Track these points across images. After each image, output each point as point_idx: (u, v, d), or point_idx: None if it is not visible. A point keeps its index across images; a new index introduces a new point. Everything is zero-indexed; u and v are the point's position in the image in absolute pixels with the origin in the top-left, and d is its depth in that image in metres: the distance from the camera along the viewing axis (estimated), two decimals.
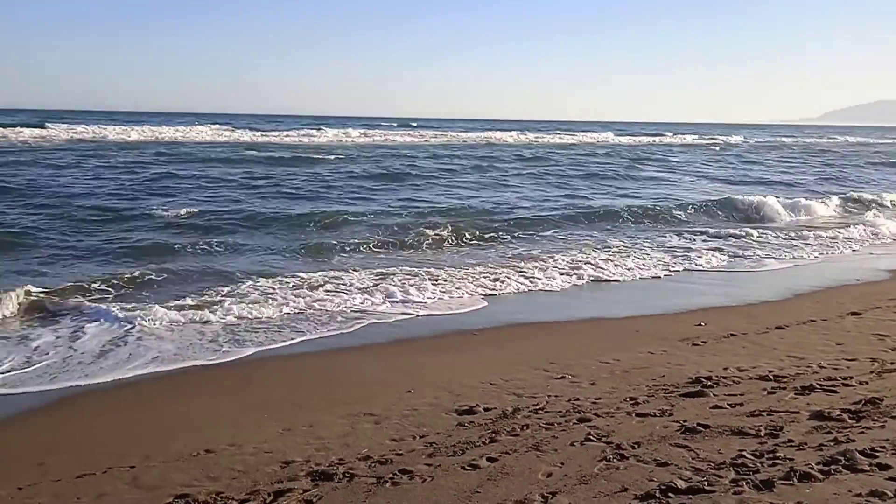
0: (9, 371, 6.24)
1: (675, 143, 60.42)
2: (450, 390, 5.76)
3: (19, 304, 8.06)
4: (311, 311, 8.34)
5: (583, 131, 79.06)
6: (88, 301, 8.37)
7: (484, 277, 10.16)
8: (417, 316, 8.35)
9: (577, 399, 5.37)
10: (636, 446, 4.24)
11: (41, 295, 8.41)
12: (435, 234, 13.11)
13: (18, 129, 44.53)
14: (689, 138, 70.32)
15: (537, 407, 5.22)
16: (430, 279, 9.88)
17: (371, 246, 12.34)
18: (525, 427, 4.73)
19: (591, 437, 4.44)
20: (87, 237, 12.40)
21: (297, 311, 8.30)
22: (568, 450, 4.26)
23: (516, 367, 6.39)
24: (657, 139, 67.65)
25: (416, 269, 10.47)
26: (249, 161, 28.77)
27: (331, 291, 9.15)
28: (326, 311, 8.36)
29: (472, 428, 4.85)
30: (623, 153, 42.99)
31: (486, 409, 5.22)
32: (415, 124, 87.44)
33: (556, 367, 6.34)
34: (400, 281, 9.76)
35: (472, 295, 9.31)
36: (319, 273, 10.10)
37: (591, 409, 5.08)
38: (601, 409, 5.07)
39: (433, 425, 4.95)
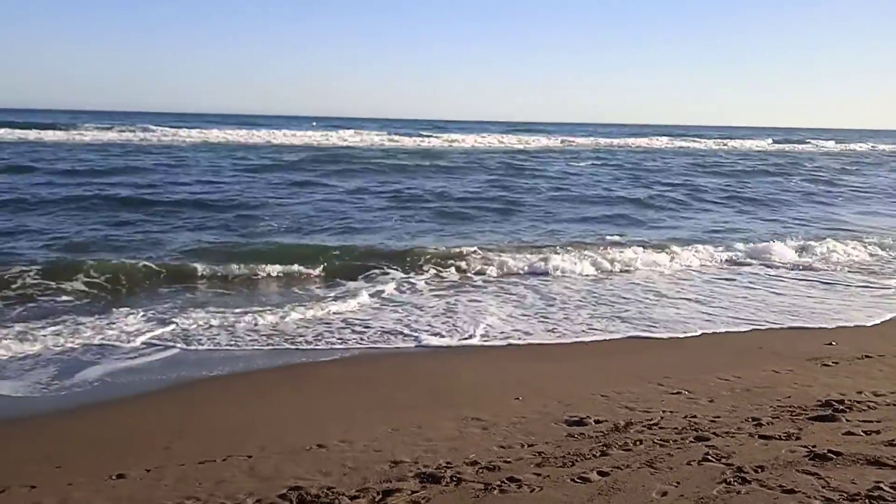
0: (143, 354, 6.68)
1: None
2: (559, 400, 5.65)
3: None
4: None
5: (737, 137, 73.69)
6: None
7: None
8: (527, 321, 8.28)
9: (694, 416, 5.13)
10: (759, 470, 3.99)
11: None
12: None
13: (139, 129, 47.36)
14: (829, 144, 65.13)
15: (651, 422, 5.02)
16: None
17: None
18: (638, 442, 4.56)
19: (710, 458, 4.22)
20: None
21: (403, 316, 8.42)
22: (684, 469, 4.07)
23: (629, 379, 6.19)
24: (799, 147, 62.97)
25: None
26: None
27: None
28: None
29: (582, 440, 4.72)
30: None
31: (597, 422, 5.08)
32: (523, 128, 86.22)
33: (672, 381, 6.10)
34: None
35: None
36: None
37: (710, 427, 4.84)
38: (720, 428, 4.82)
39: (542, 435, 4.87)
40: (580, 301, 9.23)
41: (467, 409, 5.41)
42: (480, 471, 4.18)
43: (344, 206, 17.43)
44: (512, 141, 53.57)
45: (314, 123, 76.19)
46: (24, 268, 9.31)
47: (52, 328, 7.30)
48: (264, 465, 4.40)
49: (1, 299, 8.31)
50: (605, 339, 7.64)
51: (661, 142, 57.69)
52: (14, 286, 8.73)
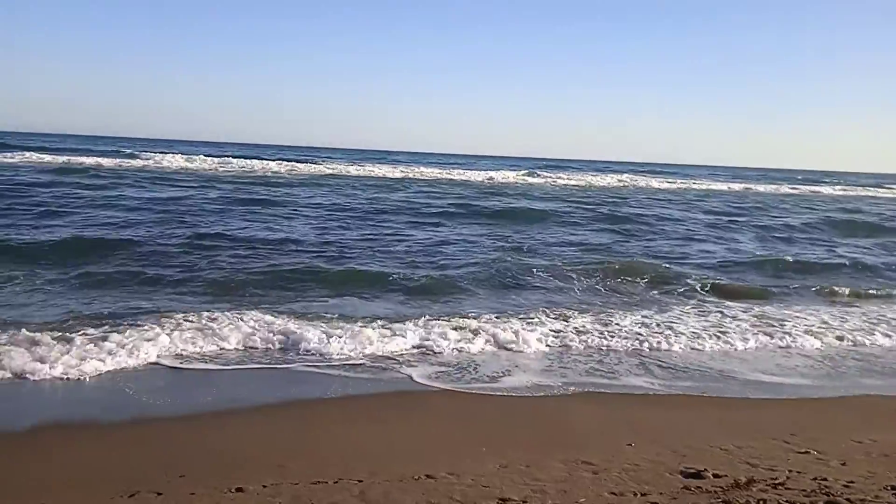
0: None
1: None
2: (674, 449, 5.41)
3: None
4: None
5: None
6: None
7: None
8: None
9: (825, 479, 4.77)
10: None
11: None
12: None
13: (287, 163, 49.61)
14: None
15: (776, 481, 4.71)
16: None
17: None
18: (762, 501, 4.28)
19: None
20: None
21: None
22: None
23: (750, 433, 5.86)
24: None
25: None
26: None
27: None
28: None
29: (699, 494, 4.49)
30: None
31: (716, 476, 4.81)
32: (643, 169, 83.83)
33: (798, 439, 5.71)
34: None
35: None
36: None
37: (843, 492, 4.48)
38: (855, 494, 4.45)
39: (655, 484, 4.67)
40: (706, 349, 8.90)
41: (577, 452, 5.28)
42: None
43: None
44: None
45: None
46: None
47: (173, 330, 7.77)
48: (374, 491, 4.45)
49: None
50: (722, 396, 7.27)
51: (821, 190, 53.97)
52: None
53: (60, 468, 4.80)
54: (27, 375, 6.57)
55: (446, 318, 9.40)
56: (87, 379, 6.64)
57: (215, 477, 4.63)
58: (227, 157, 51.82)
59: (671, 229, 22.21)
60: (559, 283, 12.30)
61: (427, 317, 9.40)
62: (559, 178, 51.71)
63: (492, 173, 51.86)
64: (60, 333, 7.66)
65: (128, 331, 7.91)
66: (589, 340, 8.85)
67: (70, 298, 9.53)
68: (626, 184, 49.70)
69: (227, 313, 8.92)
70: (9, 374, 6.57)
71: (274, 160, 52.70)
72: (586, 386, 7.23)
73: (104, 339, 7.55)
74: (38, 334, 7.53)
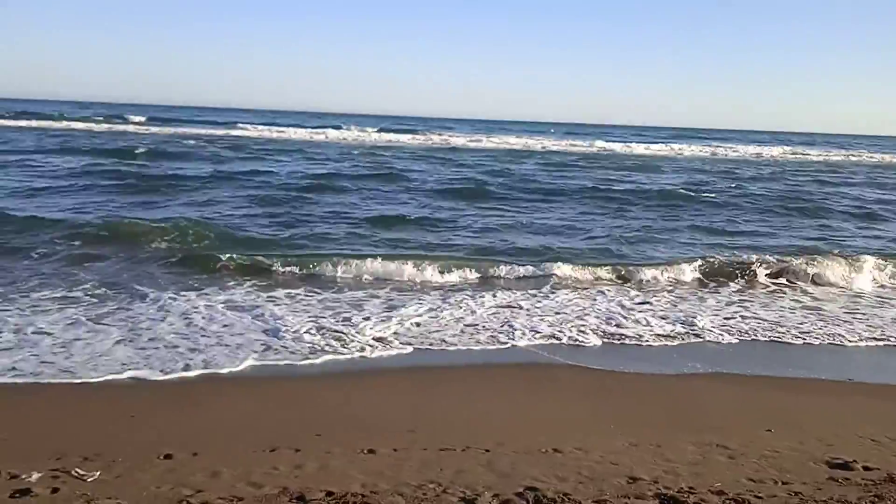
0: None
1: None
2: (818, 437, 5.10)
3: None
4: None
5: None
6: None
7: None
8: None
9: None
10: None
11: None
12: None
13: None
14: None
15: None
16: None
17: None
18: None
19: None
20: None
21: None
22: None
23: None
24: None
25: None
26: None
27: None
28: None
29: (847, 486, 4.22)
30: None
31: (866, 469, 4.50)
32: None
33: None
34: None
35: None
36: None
37: None
38: None
39: (798, 473, 4.42)
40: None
41: (710, 435, 5.09)
42: (727, 502, 3.90)
43: None
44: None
45: (552, 130, 76.88)
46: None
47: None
48: (501, 461, 4.47)
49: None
50: (871, 382, 6.77)
51: None
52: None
53: (211, 419, 5.14)
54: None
55: (572, 300, 9.30)
56: (240, 344, 7.07)
57: (349, 438, 4.80)
58: (328, 128, 53.84)
59: (837, 208, 20.41)
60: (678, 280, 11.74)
61: (550, 299, 9.34)
62: (708, 149, 49.59)
63: (628, 146, 50.21)
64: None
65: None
66: (720, 330, 8.49)
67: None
68: (780, 156, 47.02)
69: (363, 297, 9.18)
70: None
71: (390, 132, 53.84)
72: (718, 366, 6.94)
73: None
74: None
